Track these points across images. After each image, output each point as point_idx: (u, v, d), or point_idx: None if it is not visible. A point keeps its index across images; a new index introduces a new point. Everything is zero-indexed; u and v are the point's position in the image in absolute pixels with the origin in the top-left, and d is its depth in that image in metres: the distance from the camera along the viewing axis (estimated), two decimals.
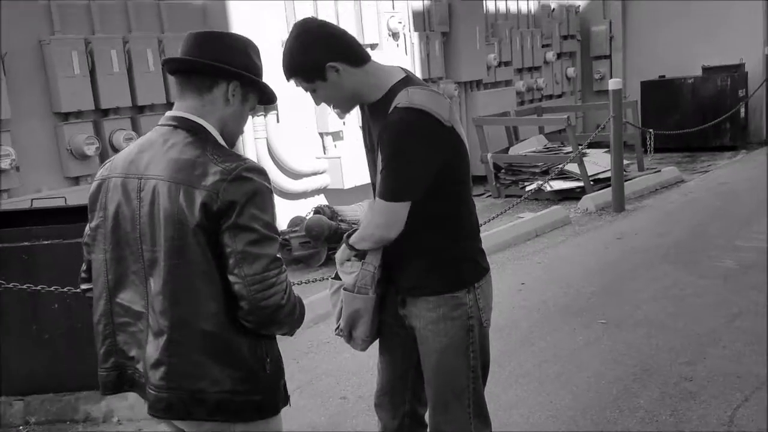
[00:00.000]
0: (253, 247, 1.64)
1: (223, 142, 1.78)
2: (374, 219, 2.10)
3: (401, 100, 2.00)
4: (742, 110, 10.60)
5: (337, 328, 2.27)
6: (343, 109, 2.18)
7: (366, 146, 2.23)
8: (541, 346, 4.31)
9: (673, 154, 10.74)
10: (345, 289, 2.16)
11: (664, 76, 11.30)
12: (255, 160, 6.87)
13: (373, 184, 2.19)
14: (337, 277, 2.23)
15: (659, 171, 9.13)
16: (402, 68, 2.18)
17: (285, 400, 1.86)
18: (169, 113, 1.80)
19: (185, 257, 1.65)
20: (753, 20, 10.85)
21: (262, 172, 1.70)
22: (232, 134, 1.84)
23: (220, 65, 1.74)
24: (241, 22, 6.40)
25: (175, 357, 1.67)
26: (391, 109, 2.01)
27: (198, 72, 1.75)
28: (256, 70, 1.81)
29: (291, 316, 1.73)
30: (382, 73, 2.10)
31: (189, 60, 1.76)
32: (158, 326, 1.68)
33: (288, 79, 2.09)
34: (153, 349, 1.69)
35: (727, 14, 10.82)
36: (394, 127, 1.99)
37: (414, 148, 1.99)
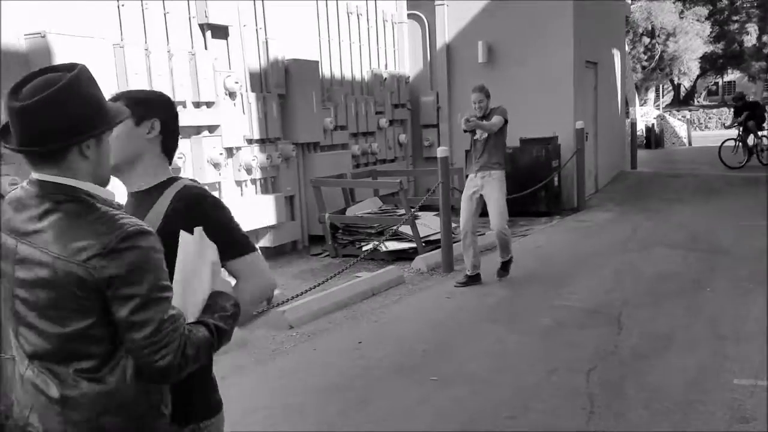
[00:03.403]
0: (139, 314, 1.61)
1: (101, 191, 1.73)
2: None
3: None
4: (556, 179, 11.60)
5: None
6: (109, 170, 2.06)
7: None
8: (376, 405, 4.39)
9: None
10: None
11: None
12: None
13: None
14: None
15: (483, 234, 9.73)
16: None
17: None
18: (34, 176, 1.71)
19: (64, 324, 1.63)
20: (565, 96, 12.01)
21: (141, 234, 1.64)
22: (105, 176, 1.80)
23: (65, 143, 1.65)
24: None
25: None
26: None
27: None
28: (99, 110, 1.70)
29: (185, 369, 1.69)
30: None
31: (30, 151, 1.67)
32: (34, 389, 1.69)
33: None
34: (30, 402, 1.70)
35: (543, 90, 11.91)
36: None
37: None
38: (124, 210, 1.79)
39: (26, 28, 6.11)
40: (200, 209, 1.91)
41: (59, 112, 1.62)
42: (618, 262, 7.94)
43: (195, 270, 1.79)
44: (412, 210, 8.08)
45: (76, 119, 1.65)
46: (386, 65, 12.28)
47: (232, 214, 1.99)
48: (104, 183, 1.77)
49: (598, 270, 7.65)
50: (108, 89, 6.58)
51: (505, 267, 7.32)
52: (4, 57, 5.98)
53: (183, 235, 1.81)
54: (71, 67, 1.69)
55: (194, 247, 1.80)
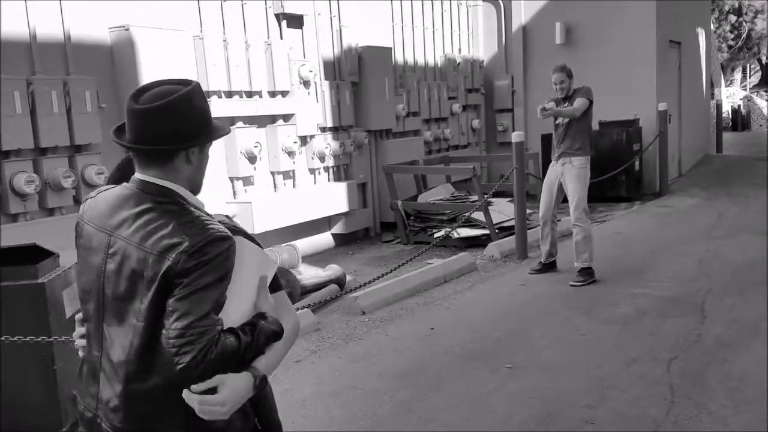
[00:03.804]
0: (182, 302, 1.66)
1: (192, 198, 1.87)
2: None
3: None
4: (637, 163, 11.23)
5: None
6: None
7: None
8: (449, 391, 4.37)
9: None
10: None
11: None
12: None
13: None
14: None
15: (560, 220, 9.52)
16: None
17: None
18: (137, 176, 1.85)
19: (144, 318, 1.71)
20: (647, 78, 11.60)
21: (224, 240, 1.73)
22: (200, 183, 1.93)
23: (176, 146, 1.80)
24: (148, 68, 6.32)
25: (132, 404, 1.75)
26: None
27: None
28: (207, 123, 1.86)
29: (205, 373, 1.69)
30: None
31: (143, 149, 1.81)
32: (115, 376, 1.77)
33: None
34: (110, 394, 1.78)
35: (623, 72, 11.53)
36: None
37: None
38: None
39: (111, 22, 6.34)
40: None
41: (174, 118, 1.78)
42: (702, 250, 7.62)
43: (246, 279, 1.82)
44: (486, 196, 7.97)
45: (188, 127, 1.80)
46: (460, 49, 12.15)
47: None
48: (198, 189, 1.93)
49: (681, 258, 7.37)
50: (189, 73, 6.76)
51: (583, 273, 6.62)
52: (90, 50, 6.23)
53: (244, 242, 1.86)
54: (187, 82, 1.85)
55: (251, 258, 1.85)
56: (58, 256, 4.08)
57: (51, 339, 3.63)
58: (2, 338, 3.39)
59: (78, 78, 5.97)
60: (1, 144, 5.41)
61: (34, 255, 3.94)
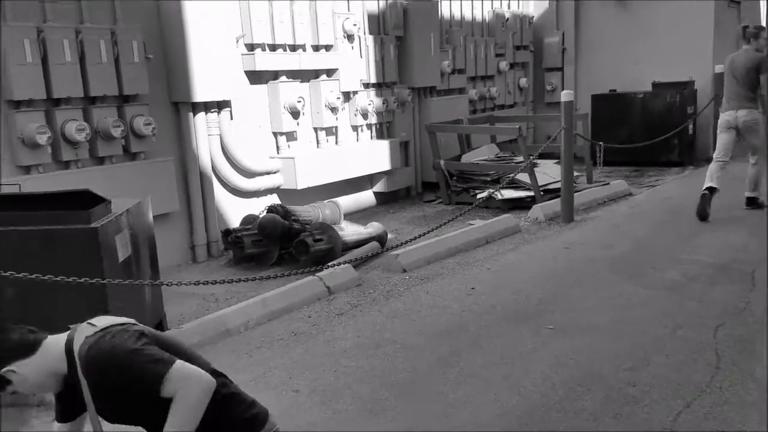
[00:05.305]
0: None
1: None
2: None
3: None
4: (691, 127, 10.90)
5: None
6: (44, 390, 2.15)
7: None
8: (489, 348, 4.35)
9: (622, 168, 10.99)
10: None
11: (615, 91, 11.54)
12: (207, 156, 6.79)
13: None
14: None
15: (608, 184, 9.34)
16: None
17: None
18: None
19: None
20: (703, 39, 11.19)
21: None
22: None
23: None
24: (194, 20, 6.31)
25: None
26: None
27: None
28: None
29: None
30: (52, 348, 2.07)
31: None
32: None
33: None
34: None
35: (679, 32, 11.14)
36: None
37: None
38: None
39: None
40: (108, 380, 1.97)
41: None
42: (756, 217, 7.38)
43: None
44: (531, 157, 7.83)
45: None
46: (509, 4, 11.84)
47: (131, 348, 1.97)
48: None
49: (733, 224, 7.15)
50: (233, 33, 6.79)
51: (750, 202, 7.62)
52: (137, 1, 6.23)
53: None
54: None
55: None
56: (110, 202, 4.14)
57: (104, 281, 3.70)
58: (58, 278, 3.46)
59: (125, 27, 5.99)
60: (53, 91, 5.48)
61: (87, 201, 4.00)
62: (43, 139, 5.33)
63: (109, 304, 3.89)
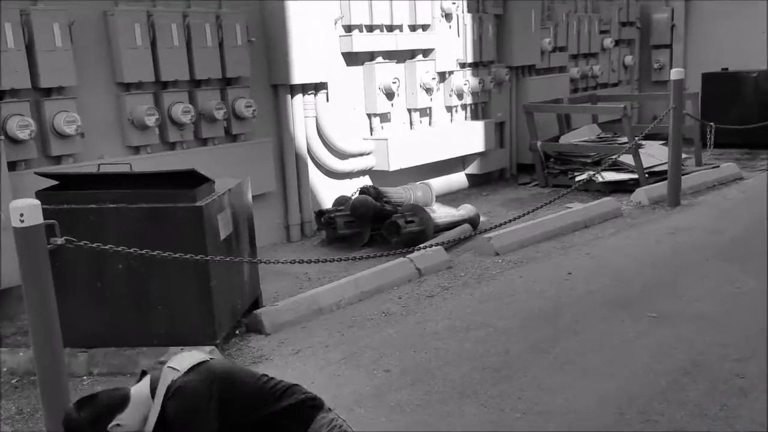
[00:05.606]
0: None
1: None
2: None
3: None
4: None
5: None
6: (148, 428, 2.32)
7: None
8: (587, 335, 4.23)
9: (732, 150, 10.37)
10: None
11: (727, 69, 10.92)
12: (303, 138, 6.90)
13: None
14: None
15: (718, 167, 8.85)
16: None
17: None
18: None
19: None
20: None
21: None
22: None
23: None
24: (294, 3, 6.40)
25: None
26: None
27: None
28: None
29: None
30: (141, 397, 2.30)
31: None
32: None
33: None
34: None
35: None
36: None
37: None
38: None
39: None
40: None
41: None
42: None
43: None
44: (636, 138, 7.50)
45: None
46: None
47: (195, 410, 2.21)
48: None
49: None
50: (332, 14, 6.82)
51: None
52: None
53: None
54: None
55: None
56: (214, 182, 4.29)
57: (207, 258, 3.84)
58: (166, 254, 3.61)
59: (229, 12, 6.14)
60: (161, 74, 5.70)
61: (193, 180, 4.15)
62: (151, 120, 5.56)
63: (211, 280, 4.04)
